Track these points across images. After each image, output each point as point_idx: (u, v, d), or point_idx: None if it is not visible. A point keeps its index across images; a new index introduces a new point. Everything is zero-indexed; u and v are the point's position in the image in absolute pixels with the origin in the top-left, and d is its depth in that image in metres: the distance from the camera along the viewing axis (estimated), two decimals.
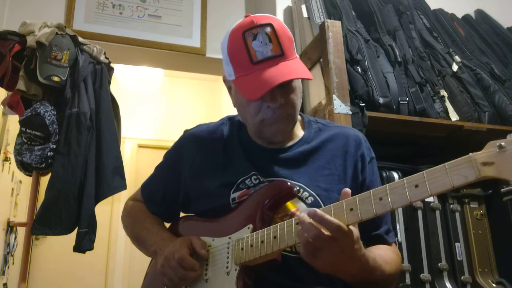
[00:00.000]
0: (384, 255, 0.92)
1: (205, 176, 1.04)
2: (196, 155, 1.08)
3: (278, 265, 0.88)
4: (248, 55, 0.93)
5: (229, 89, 1.06)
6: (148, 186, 1.20)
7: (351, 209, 0.77)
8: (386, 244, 1.00)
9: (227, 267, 0.91)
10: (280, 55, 0.94)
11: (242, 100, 1.00)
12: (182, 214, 1.15)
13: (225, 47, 0.98)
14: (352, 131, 1.11)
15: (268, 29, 0.94)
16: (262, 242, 0.86)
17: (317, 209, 0.77)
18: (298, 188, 0.96)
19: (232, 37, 0.96)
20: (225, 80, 1.07)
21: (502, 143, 0.65)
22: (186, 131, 1.17)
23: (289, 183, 0.94)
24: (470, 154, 0.68)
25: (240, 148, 1.06)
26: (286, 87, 0.96)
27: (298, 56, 1.00)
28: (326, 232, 0.74)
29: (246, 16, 0.99)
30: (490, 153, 0.66)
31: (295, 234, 0.82)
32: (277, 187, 0.94)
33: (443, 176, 0.69)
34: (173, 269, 0.92)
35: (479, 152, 0.67)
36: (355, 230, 0.78)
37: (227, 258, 0.92)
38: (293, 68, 0.94)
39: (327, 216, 0.75)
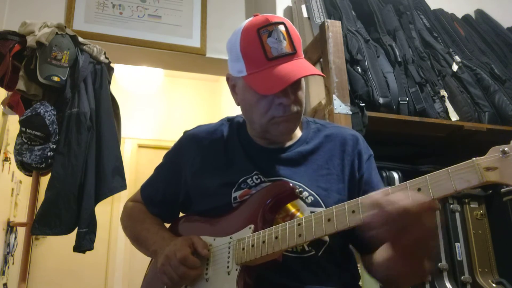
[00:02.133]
0: None
1: (206, 176, 1.05)
2: (196, 156, 1.09)
3: (279, 265, 0.88)
4: (263, 51, 0.94)
5: (233, 87, 1.06)
6: (147, 187, 1.20)
7: (353, 212, 0.77)
8: None
9: (227, 267, 0.91)
10: (293, 53, 0.95)
11: (251, 98, 0.99)
12: (181, 214, 1.15)
13: (236, 44, 0.98)
14: (349, 131, 1.11)
15: (282, 27, 0.95)
16: (264, 242, 0.86)
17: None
18: (300, 189, 0.96)
19: (245, 33, 0.97)
20: (228, 79, 1.06)
21: (506, 149, 0.66)
22: (186, 132, 1.17)
23: (291, 184, 0.94)
24: (474, 158, 0.68)
25: (241, 148, 1.06)
26: (296, 84, 0.97)
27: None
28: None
29: (255, 15, 0.99)
30: (493, 158, 0.67)
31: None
32: (279, 188, 0.95)
33: (446, 180, 0.70)
34: (173, 267, 0.92)
35: (482, 157, 0.68)
36: None
37: (228, 258, 0.92)
38: (306, 65, 0.96)
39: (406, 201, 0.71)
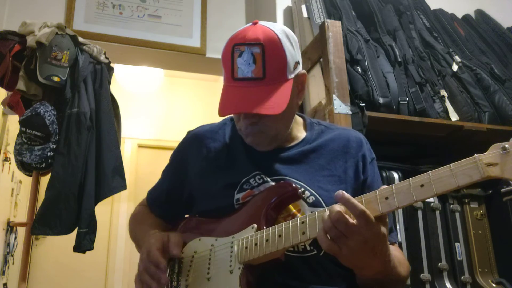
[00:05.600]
0: (398, 256, 0.92)
1: (209, 176, 1.05)
2: (199, 156, 1.09)
3: (281, 264, 0.88)
4: (232, 69, 0.94)
5: None
6: (154, 190, 1.21)
7: None
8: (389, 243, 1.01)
9: (230, 266, 0.91)
10: (260, 78, 0.93)
11: None
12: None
13: (222, 52, 1.00)
14: (353, 132, 1.11)
15: (256, 50, 0.92)
16: (267, 240, 0.86)
17: (344, 192, 0.76)
18: (302, 189, 0.96)
19: (227, 46, 0.98)
20: None
21: (506, 145, 0.69)
22: (189, 132, 1.18)
23: (294, 185, 0.94)
24: (475, 155, 0.71)
25: (242, 149, 1.06)
26: (251, 113, 0.96)
27: (291, 78, 0.97)
28: (351, 220, 0.74)
29: (254, 23, 0.98)
30: (494, 155, 0.70)
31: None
32: (282, 188, 0.95)
33: (449, 176, 0.72)
34: (143, 263, 0.92)
35: (483, 154, 0.71)
36: (382, 228, 0.77)
37: (231, 257, 0.92)
38: (264, 98, 0.92)
39: (353, 200, 0.75)
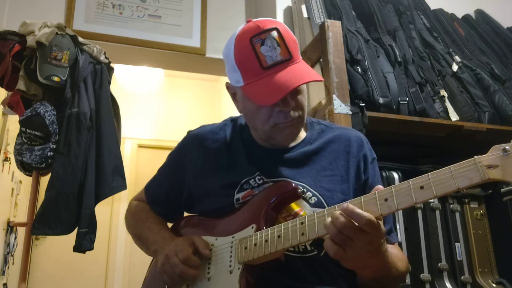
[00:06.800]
0: (395, 253, 0.93)
1: (208, 176, 1.05)
2: (199, 156, 1.09)
3: (281, 264, 0.88)
4: (258, 60, 0.93)
5: (234, 95, 1.07)
6: (151, 187, 1.21)
7: None
8: (389, 244, 1.01)
9: (230, 266, 0.91)
10: (288, 59, 0.94)
11: (251, 107, 1.00)
12: (186, 215, 1.16)
13: (231, 54, 0.97)
14: (354, 132, 1.11)
15: (275, 34, 0.94)
16: (266, 241, 0.86)
17: (348, 203, 0.77)
18: (302, 189, 0.96)
19: (239, 43, 0.96)
20: (228, 87, 1.07)
21: (507, 147, 0.67)
22: (189, 132, 1.18)
23: (293, 184, 0.94)
24: (475, 157, 0.70)
25: (243, 149, 1.06)
26: (295, 90, 0.96)
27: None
28: (357, 225, 0.75)
29: (248, 21, 0.98)
30: (495, 156, 0.68)
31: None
32: (282, 188, 0.95)
33: (448, 178, 0.71)
34: (173, 266, 0.92)
35: (484, 155, 0.69)
36: (383, 225, 0.78)
37: (230, 257, 0.92)
38: (303, 70, 0.95)
39: (357, 210, 0.75)
